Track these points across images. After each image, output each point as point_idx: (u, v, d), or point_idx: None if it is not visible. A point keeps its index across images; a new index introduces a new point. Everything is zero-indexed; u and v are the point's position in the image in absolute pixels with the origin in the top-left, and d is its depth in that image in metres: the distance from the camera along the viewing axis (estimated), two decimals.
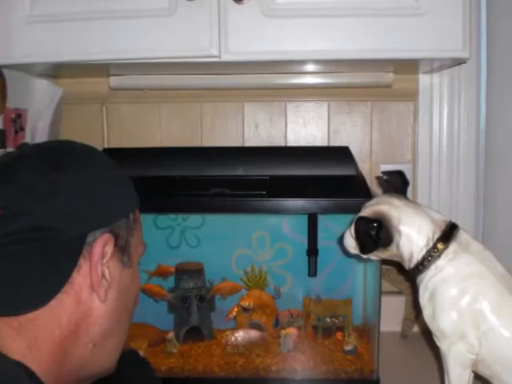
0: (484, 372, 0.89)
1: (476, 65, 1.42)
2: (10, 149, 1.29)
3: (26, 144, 0.78)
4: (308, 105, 1.50)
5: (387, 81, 1.42)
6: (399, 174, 1.00)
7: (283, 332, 1.29)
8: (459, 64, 1.33)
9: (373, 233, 0.90)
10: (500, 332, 0.84)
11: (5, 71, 1.26)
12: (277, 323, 1.36)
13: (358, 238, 0.93)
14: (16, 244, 0.66)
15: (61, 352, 0.70)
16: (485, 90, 1.46)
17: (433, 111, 1.47)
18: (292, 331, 1.29)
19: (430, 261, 0.88)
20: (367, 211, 0.93)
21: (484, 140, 1.47)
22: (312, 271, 1.34)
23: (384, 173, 1.01)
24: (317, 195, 1.15)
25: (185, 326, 1.34)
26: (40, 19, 1.15)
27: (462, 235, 0.90)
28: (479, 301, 0.85)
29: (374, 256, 0.96)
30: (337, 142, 1.48)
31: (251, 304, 1.34)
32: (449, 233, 0.90)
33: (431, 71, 1.43)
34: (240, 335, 1.30)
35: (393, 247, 0.91)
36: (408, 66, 1.36)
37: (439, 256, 0.88)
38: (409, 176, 1.41)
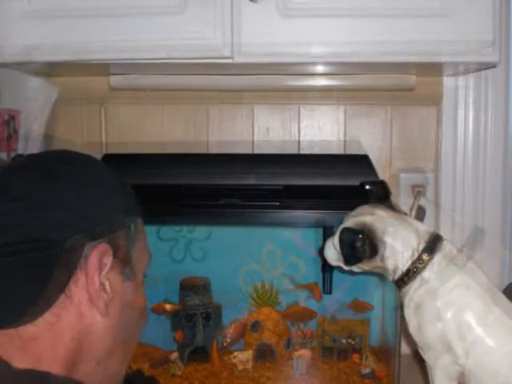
0: None
1: (505, 67, 1.44)
2: (3, 153, 1.33)
3: (20, 156, 0.83)
4: (323, 108, 1.53)
5: (409, 84, 1.45)
6: (382, 184, 1.04)
7: (296, 354, 1.32)
8: (487, 68, 1.36)
9: (358, 244, 0.94)
10: (486, 343, 0.89)
11: None
12: (289, 344, 1.39)
13: (343, 249, 0.97)
14: (10, 256, 0.70)
15: (66, 372, 0.73)
16: None
17: (458, 116, 1.49)
18: (305, 353, 1.32)
19: (415, 272, 0.93)
20: (351, 222, 0.97)
21: None
22: (327, 288, 1.35)
23: (366, 183, 1.05)
24: (334, 207, 1.18)
25: (189, 346, 1.37)
26: (38, 15, 1.18)
27: (447, 246, 0.95)
28: (465, 312, 0.90)
29: (357, 268, 1.00)
30: (354, 149, 1.51)
31: (261, 323, 1.37)
32: (433, 244, 0.94)
33: (457, 74, 1.46)
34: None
35: (377, 259, 0.96)
36: (432, 69, 1.39)
37: (424, 267, 0.93)
38: (431, 186, 1.49)
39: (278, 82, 1.47)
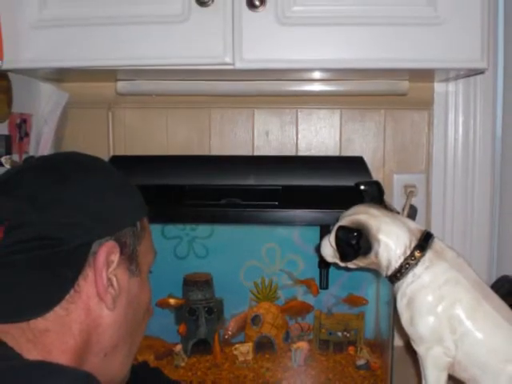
0: (461, 375, 0.95)
1: (493, 72, 1.46)
2: (16, 155, 1.33)
3: (31, 157, 0.83)
4: (320, 113, 1.54)
5: (402, 89, 1.46)
6: (376, 184, 1.05)
7: (294, 346, 1.34)
8: (476, 74, 1.37)
9: (353, 242, 0.95)
10: (475, 336, 0.91)
11: (10, 75, 1.30)
12: (287, 337, 1.40)
13: (339, 247, 0.98)
14: (20, 254, 0.71)
15: (75, 363, 0.73)
16: (501, 97, 1.50)
17: (448, 120, 1.50)
18: (303, 345, 1.34)
19: (407, 268, 0.94)
20: (346, 220, 0.98)
21: (500, 149, 1.51)
22: (323, 284, 1.37)
23: (360, 183, 1.06)
24: (330, 206, 1.18)
25: (192, 339, 1.39)
26: (48, 24, 1.19)
27: (437, 244, 0.97)
28: (455, 306, 0.91)
29: (353, 264, 1.01)
30: (349, 151, 1.53)
31: (261, 317, 1.38)
32: (425, 241, 0.95)
33: (447, 80, 1.47)
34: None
35: (371, 255, 0.97)
36: (423, 75, 1.41)
37: (416, 264, 0.94)
38: (423, 186, 1.50)
39: (277, 88, 1.48)
